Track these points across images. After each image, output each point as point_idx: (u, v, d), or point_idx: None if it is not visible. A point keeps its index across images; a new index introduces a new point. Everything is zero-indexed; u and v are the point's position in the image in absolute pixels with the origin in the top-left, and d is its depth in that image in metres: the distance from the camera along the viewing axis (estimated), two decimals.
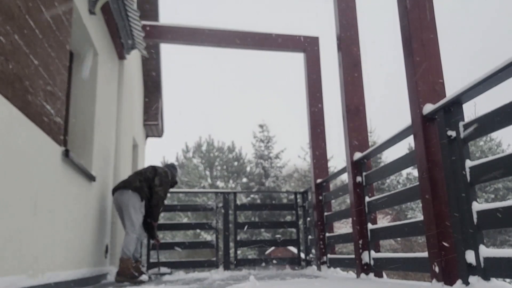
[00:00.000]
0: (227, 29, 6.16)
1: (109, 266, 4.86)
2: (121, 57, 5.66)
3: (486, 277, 2.20)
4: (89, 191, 4.07)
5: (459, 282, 2.37)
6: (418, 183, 2.88)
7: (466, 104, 2.50)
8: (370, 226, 3.84)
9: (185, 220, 21.75)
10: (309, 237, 6.09)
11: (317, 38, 6.30)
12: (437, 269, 2.55)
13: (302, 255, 6.41)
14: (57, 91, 3.05)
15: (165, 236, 17.92)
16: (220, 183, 29.74)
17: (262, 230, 22.97)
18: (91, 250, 4.11)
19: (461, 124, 2.45)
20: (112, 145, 5.25)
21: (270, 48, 6.32)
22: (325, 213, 5.24)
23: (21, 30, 2.44)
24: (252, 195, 24.12)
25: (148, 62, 8.59)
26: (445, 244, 2.54)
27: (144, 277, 4.29)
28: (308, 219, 6.18)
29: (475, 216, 2.29)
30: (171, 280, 4.60)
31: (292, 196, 6.67)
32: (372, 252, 3.77)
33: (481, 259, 2.23)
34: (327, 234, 5.13)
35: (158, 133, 10.22)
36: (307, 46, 6.22)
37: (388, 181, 22.56)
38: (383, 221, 18.36)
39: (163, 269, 5.44)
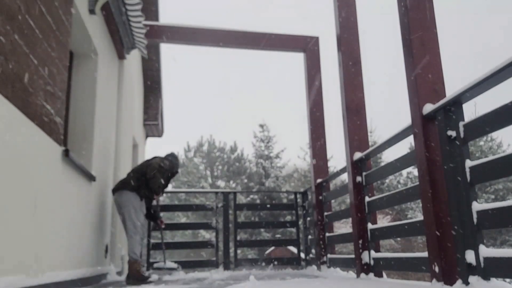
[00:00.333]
0: (227, 29, 6.16)
1: (109, 266, 4.86)
2: (121, 57, 5.66)
3: (486, 277, 2.20)
4: (89, 191, 4.07)
5: (459, 282, 2.37)
6: (418, 183, 2.88)
7: (466, 104, 2.51)
8: (370, 226, 3.85)
9: (183, 220, 21.74)
10: (309, 237, 6.09)
11: (317, 38, 6.30)
12: (437, 269, 2.55)
13: (302, 255, 6.41)
14: (57, 91, 3.05)
15: (164, 236, 17.92)
16: (220, 183, 29.75)
17: (262, 230, 22.97)
18: (91, 250, 4.11)
19: (461, 124, 2.45)
20: (112, 145, 5.25)
21: (270, 48, 6.32)
22: (325, 213, 5.24)
23: (21, 30, 2.44)
24: (252, 195, 24.11)
25: (148, 62, 8.59)
26: (445, 244, 2.54)
27: (154, 277, 4.34)
28: (308, 219, 6.18)
29: (475, 216, 2.29)
30: (171, 280, 4.60)
31: (292, 196, 6.67)
32: (372, 252, 3.77)
33: (481, 259, 2.23)
34: (327, 234, 5.14)
35: (158, 133, 10.22)
36: (307, 46, 6.22)
37: (387, 181, 22.56)
38: (383, 221, 18.35)
39: (169, 264, 5.12)
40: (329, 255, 5.05)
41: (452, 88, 2.55)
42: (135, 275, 4.16)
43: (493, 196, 20.12)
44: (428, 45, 2.91)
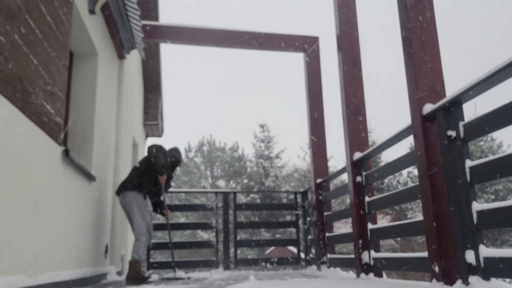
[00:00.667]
0: (227, 29, 6.16)
1: (109, 266, 4.86)
2: (121, 57, 5.66)
3: (486, 277, 2.20)
4: (89, 191, 4.07)
5: (459, 282, 2.37)
6: (418, 183, 2.88)
7: (466, 104, 2.50)
8: (370, 226, 3.84)
9: (183, 220, 21.74)
10: (309, 237, 6.09)
11: (317, 38, 6.30)
12: (437, 269, 2.55)
13: (302, 255, 6.41)
14: (57, 91, 3.05)
15: (164, 236, 17.92)
16: (220, 183, 29.76)
17: (262, 230, 22.97)
18: (91, 250, 4.11)
19: (461, 124, 2.45)
20: (112, 145, 5.25)
21: (270, 48, 6.32)
22: (325, 213, 5.24)
23: (21, 30, 2.44)
24: (252, 195, 24.13)
25: (148, 62, 8.59)
26: (445, 244, 2.54)
27: (154, 277, 4.34)
28: (308, 219, 6.18)
29: (475, 216, 2.29)
30: (171, 279, 4.60)
31: (292, 196, 6.67)
32: (372, 252, 3.77)
33: (481, 259, 2.23)
34: (327, 234, 5.13)
35: (158, 133, 10.22)
36: (307, 46, 6.22)
37: (386, 180, 22.55)
38: (383, 221, 18.35)
39: (180, 274, 4.91)
40: (329, 255, 5.05)
41: (452, 88, 2.56)
42: (135, 275, 4.16)
43: (493, 196, 20.11)
44: (428, 45, 2.91)
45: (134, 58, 6.91)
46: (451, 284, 2.43)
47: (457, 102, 2.48)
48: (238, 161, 30.41)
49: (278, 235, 22.72)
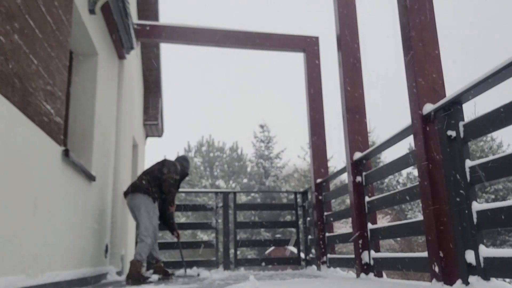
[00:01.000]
0: (227, 29, 6.16)
1: (109, 266, 4.86)
2: (121, 57, 5.66)
3: (486, 277, 2.20)
4: (89, 191, 4.07)
5: (459, 282, 2.37)
6: (418, 183, 2.88)
7: (466, 104, 2.51)
8: (370, 226, 3.85)
9: (183, 220, 21.75)
10: (309, 237, 6.09)
11: (317, 38, 6.30)
12: (437, 269, 2.55)
13: (302, 255, 6.41)
14: (57, 91, 3.05)
15: (164, 235, 17.93)
16: (220, 183, 29.77)
17: (262, 230, 22.97)
18: (91, 250, 4.11)
19: (461, 124, 2.45)
20: (112, 145, 5.25)
21: (270, 48, 6.32)
22: (325, 213, 5.24)
23: (21, 30, 2.44)
24: (252, 195, 24.13)
25: (148, 62, 8.59)
26: (445, 244, 2.54)
27: (153, 277, 4.36)
28: (308, 219, 6.18)
29: (475, 216, 2.29)
30: (171, 279, 4.60)
31: (292, 196, 6.67)
32: (372, 252, 3.77)
33: (481, 259, 2.23)
34: (327, 234, 5.14)
35: (158, 133, 10.22)
36: (307, 46, 6.22)
37: (386, 180, 22.55)
38: (383, 221, 18.36)
39: (190, 271, 5.21)
40: (329, 255, 5.05)
41: (452, 88, 2.56)
42: (134, 275, 4.17)
43: (493, 196, 20.12)
44: (428, 45, 2.91)
45: (134, 58, 6.91)
46: (451, 284, 2.43)
47: (457, 102, 2.48)
48: (238, 161, 30.42)
49: (278, 235, 22.72)
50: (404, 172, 22.72)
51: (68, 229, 3.38)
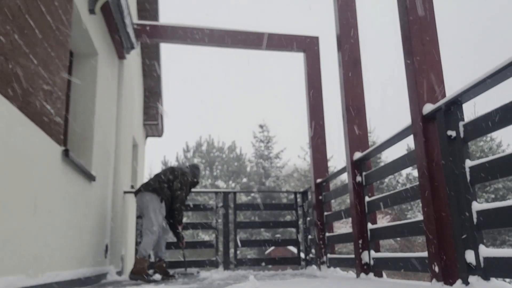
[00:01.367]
0: (227, 29, 6.16)
1: (109, 266, 4.86)
2: (121, 57, 5.66)
3: (486, 277, 2.20)
4: (89, 191, 4.07)
5: (459, 282, 2.37)
6: (418, 183, 2.88)
7: (466, 104, 2.51)
8: (370, 226, 3.85)
9: (183, 220, 21.74)
10: (309, 237, 6.09)
11: (317, 38, 6.30)
12: (437, 269, 2.55)
13: (302, 255, 6.41)
14: (57, 91, 3.05)
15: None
16: (220, 183, 29.76)
17: (262, 230, 22.98)
18: (91, 250, 4.11)
19: (461, 124, 2.45)
20: (112, 145, 5.25)
21: (270, 48, 6.31)
22: (325, 213, 5.24)
23: (21, 30, 2.44)
24: (252, 195, 24.13)
25: (148, 61, 8.59)
26: (445, 244, 2.54)
27: (157, 276, 4.41)
28: (308, 219, 6.18)
29: (475, 216, 2.29)
30: (171, 279, 4.60)
31: (292, 196, 6.66)
32: (372, 252, 3.77)
33: (481, 259, 2.23)
34: (327, 234, 5.13)
35: (158, 133, 10.22)
36: (307, 46, 6.21)
37: (386, 180, 22.55)
38: (383, 221, 18.35)
39: (190, 270, 5.41)
40: (329, 255, 5.05)
41: (452, 88, 2.56)
42: (139, 271, 4.24)
43: (493, 196, 20.12)
44: (428, 45, 2.91)
45: (134, 58, 6.91)
46: (451, 284, 2.43)
47: (457, 102, 2.49)
48: (237, 161, 30.41)
49: (278, 235, 22.72)
50: (404, 172, 22.72)
51: (68, 229, 3.38)
